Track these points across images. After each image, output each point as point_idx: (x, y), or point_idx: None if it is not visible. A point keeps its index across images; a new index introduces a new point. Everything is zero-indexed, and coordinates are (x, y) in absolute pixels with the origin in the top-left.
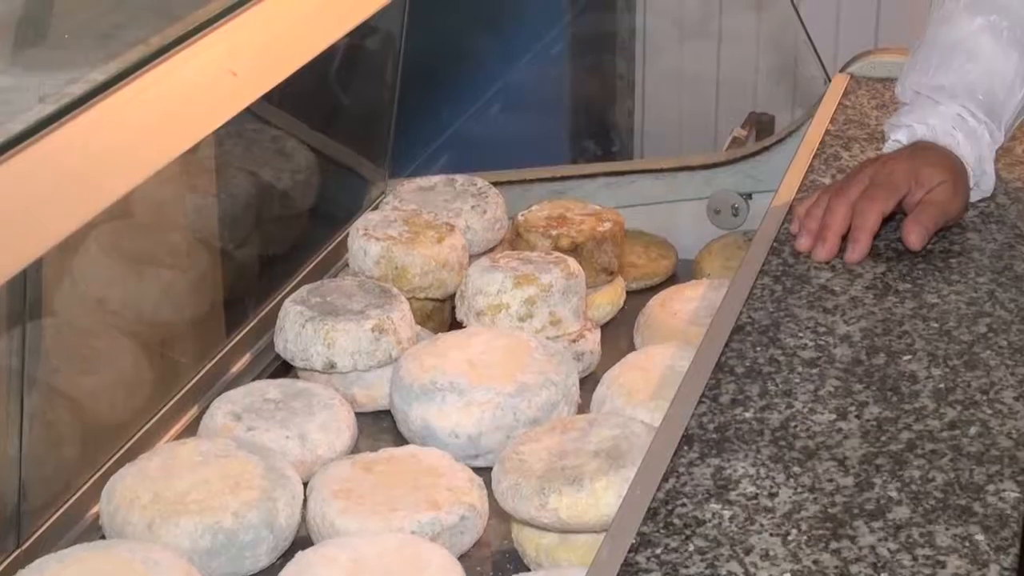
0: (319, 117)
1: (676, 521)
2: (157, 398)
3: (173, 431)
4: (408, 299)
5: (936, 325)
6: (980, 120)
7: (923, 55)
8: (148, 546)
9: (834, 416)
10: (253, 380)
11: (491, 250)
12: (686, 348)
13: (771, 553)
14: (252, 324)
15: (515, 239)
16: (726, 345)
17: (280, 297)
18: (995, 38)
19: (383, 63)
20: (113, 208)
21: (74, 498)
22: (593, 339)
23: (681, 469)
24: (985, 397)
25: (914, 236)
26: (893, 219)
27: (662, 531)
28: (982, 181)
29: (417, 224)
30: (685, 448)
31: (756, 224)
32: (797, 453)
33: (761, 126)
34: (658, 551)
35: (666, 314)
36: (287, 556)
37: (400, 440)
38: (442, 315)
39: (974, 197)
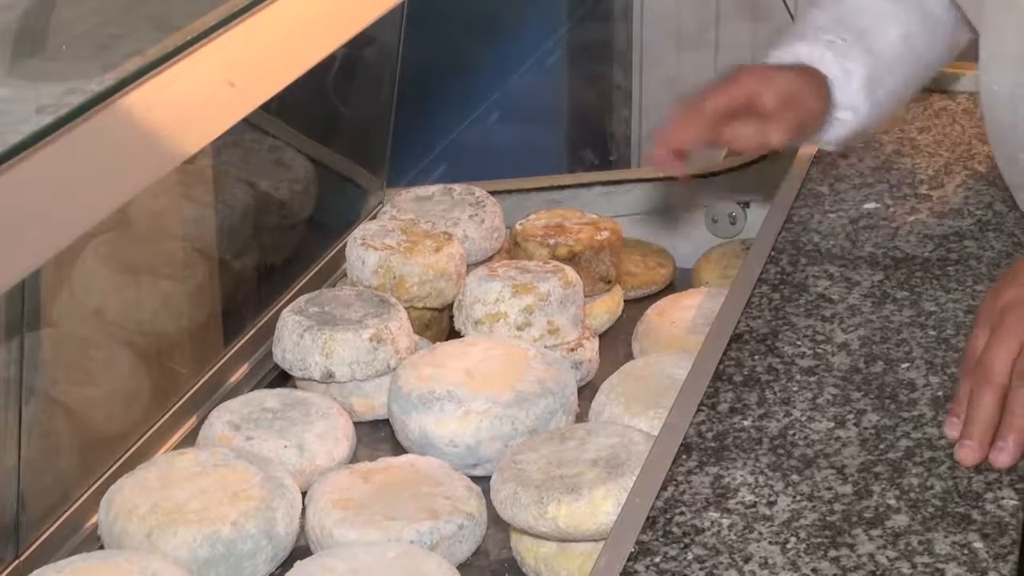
0: (317, 127)
1: (675, 529)
2: (155, 408)
3: (171, 441)
4: (406, 308)
5: (934, 333)
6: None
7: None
8: (147, 556)
9: (832, 424)
10: (251, 390)
11: (489, 259)
12: (684, 357)
13: (770, 561)
14: (250, 334)
15: (513, 248)
16: (724, 353)
17: (278, 307)
18: None
19: (381, 73)
20: (111, 218)
21: (73, 508)
22: (591, 348)
23: (680, 478)
24: None
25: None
26: None
27: (661, 540)
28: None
29: (415, 233)
30: (684, 457)
31: (754, 233)
32: (796, 461)
33: None
34: (657, 559)
35: (664, 323)
36: (286, 566)
37: (398, 449)
38: (440, 324)
39: (840, 131)
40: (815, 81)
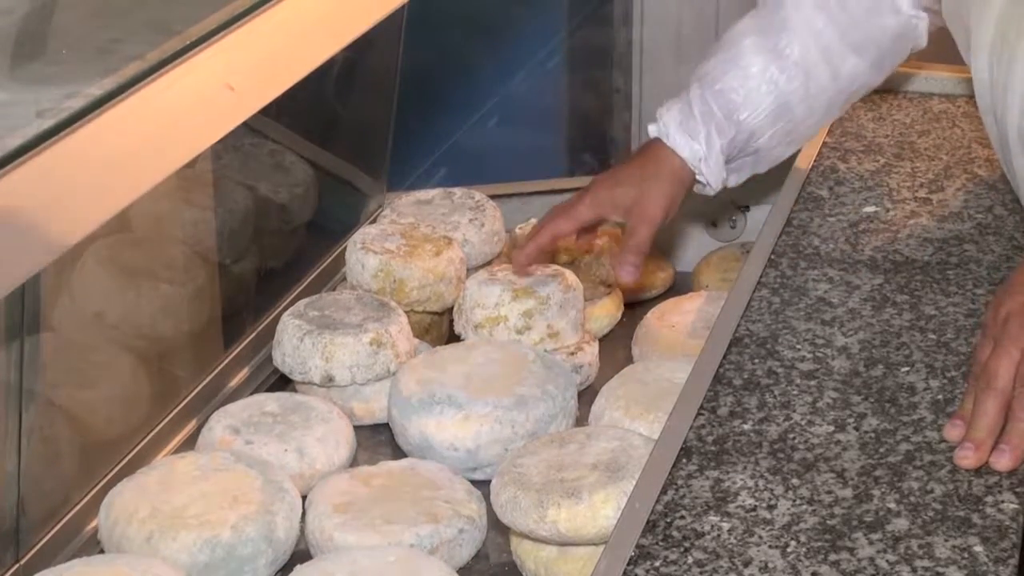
0: (317, 131)
1: (675, 533)
2: (155, 412)
3: (171, 445)
4: (406, 312)
5: (934, 337)
6: (711, 111)
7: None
8: (147, 560)
9: (832, 428)
10: (251, 394)
11: (489, 263)
12: (684, 360)
13: (770, 565)
14: (250, 338)
15: (513, 252)
16: (724, 357)
17: (278, 311)
18: (757, 43)
19: (381, 76)
20: (111, 222)
21: (72, 512)
22: (591, 352)
23: (680, 481)
24: None
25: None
26: None
27: (661, 543)
28: (708, 176)
29: (415, 237)
30: (684, 460)
31: (754, 236)
32: (796, 465)
33: None
34: (657, 563)
35: (664, 326)
36: (286, 570)
37: (398, 453)
38: (440, 328)
39: (704, 191)
40: (668, 173)
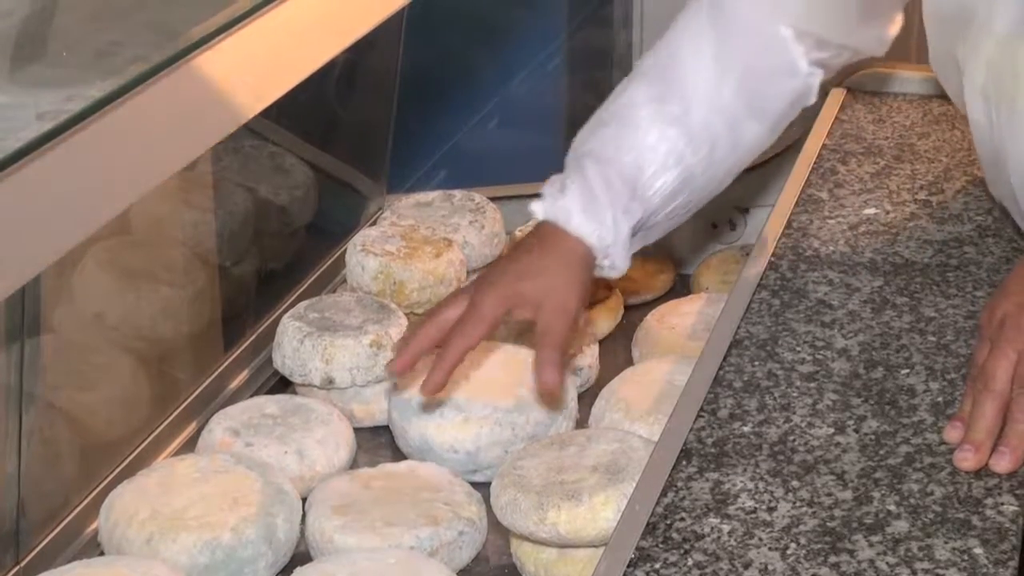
0: (317, 133)
1: (675, 535)
2: (155, 414)
3: (171, 447)
4: (406, 314)
5: (934, 339)
6: (616, 192)
7: (595, 114)
8: (147, 562)
9: (832, 430)
10: (251, 396)
11: (489, 265)
12: (684, 362)
13: (770, 567)
14: (250, 340)
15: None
16: (724, 359)
17: (278, 313)
18: (657, 113)
19: (381, 79)
20: (111, 224)
21: (73, 514)
22: (591, 354)
23: (679, 483)
24: None
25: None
26: None
27: (661, 546)
28: (616, 260)
29: (415, 239)
30: (684, 463)
31: (754, 238)
32: (795, 467)
33: None
34: (657, 566)
35: (664, 329)
36: (286, 572)
37: (398, 455)
38: None
39: (607, 274)
40: (576, 260)
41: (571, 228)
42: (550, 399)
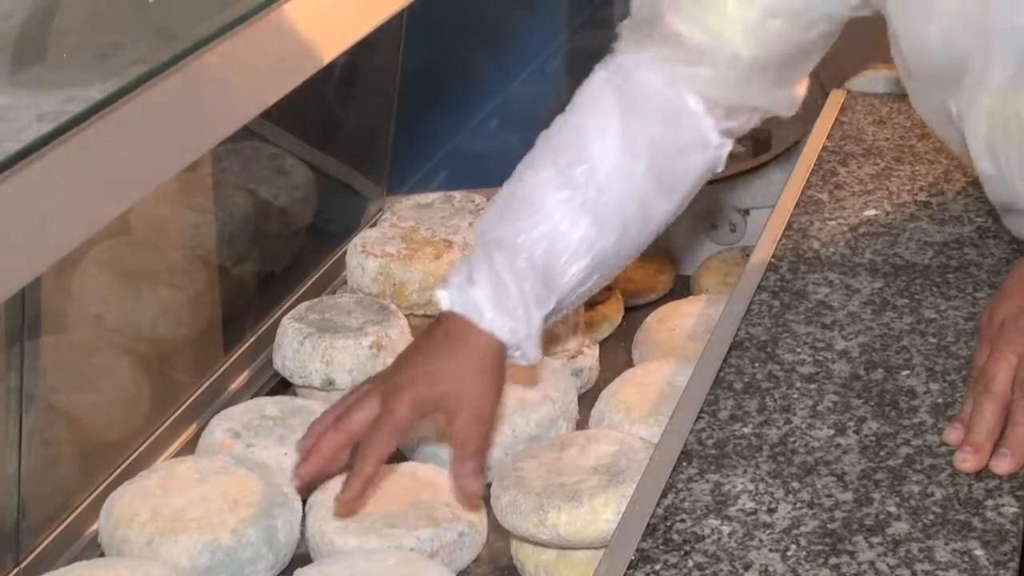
0: (317, 134)
1: (675, 537)
2: (156, 415)
3: (172, 448)
4: (406, 316)
5: (934, 340)
6: (528, 282)
7: (500, 196)
8: (147, 563)
9: (833, 431)
10: (251, 397)
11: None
12: (684, 364)
13: (770, 569)
14: (250, 341)
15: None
16: (724, 361)
17: (278, 314)
18: (568, 199)
19: (381, 80)
20: (111, 226)
21: (73, 515)
22: (591, 355)
23: (680, 485)
24: None
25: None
26: None
27: (661, 547)
28: (528, 352)
29: (415, 241)
30: (684, 464)
31: (754, 240)
32: (796, 468)
33: (758, 142)
34: (657, 567)
35: (664, 330)
36: (286, 573)
37: (399, 456)
38: None
39: (517, 362)
40: (489, 359)
41: (483, 324)
42: (468, 504)
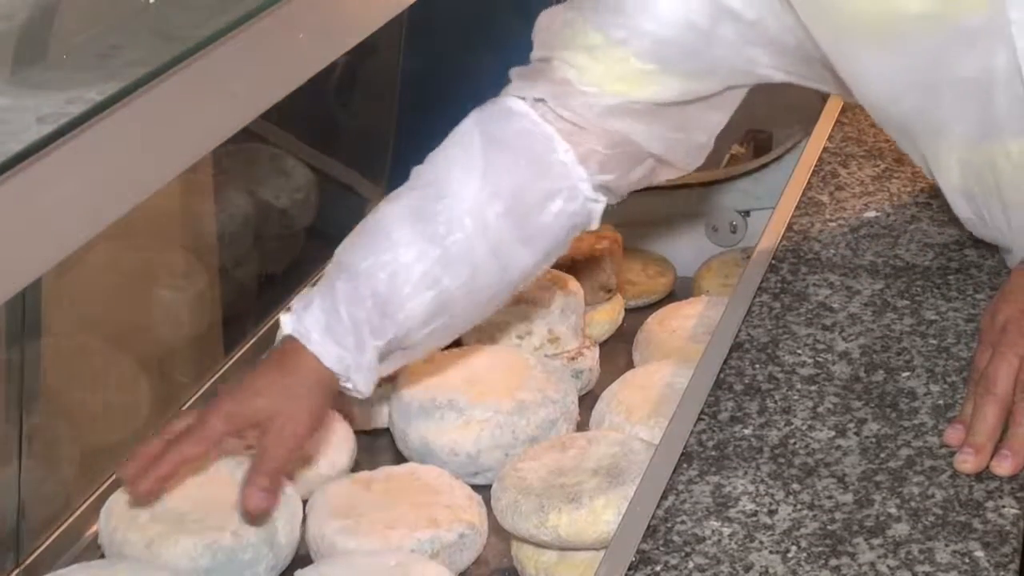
0: (318, 135)
1: (675, 538)
2: (156, 417)
3: None
4: None
5: (935, 342)
6: (365, 311)
7: (361, 223)
8: (147, 565)
9: (833, 433)
10: None
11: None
12: (685, 365)
13: (771, 570)
14: (251, 343)
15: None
16: (725, 362)
17: (278, 315)
18: (420, 232)
19: (382, 81)
20: (112, 227)
21: (73, 517)
22: (592, 357)
23: (680, 486)
24: None
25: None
26: None
27: (661, 548)
28: (358, 384)
29: None
30: (684, 465)
31: (754, 241)
32: (796, 470)
33: (758, 143)
34: (658, 568)
35: (665, 331)
36: (286, 574)
37: (399, 458)
38: None
39: (352, 394)
40: (314, 383)
41: (311, 348)
42: (251, 520)
